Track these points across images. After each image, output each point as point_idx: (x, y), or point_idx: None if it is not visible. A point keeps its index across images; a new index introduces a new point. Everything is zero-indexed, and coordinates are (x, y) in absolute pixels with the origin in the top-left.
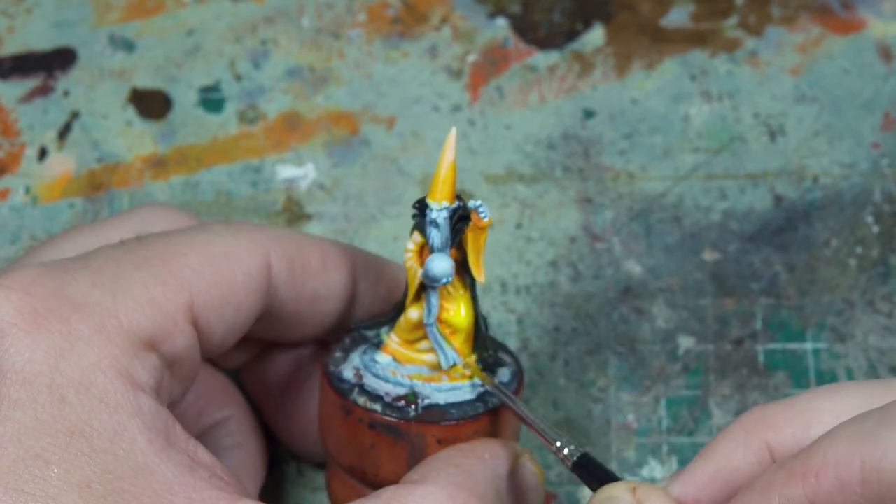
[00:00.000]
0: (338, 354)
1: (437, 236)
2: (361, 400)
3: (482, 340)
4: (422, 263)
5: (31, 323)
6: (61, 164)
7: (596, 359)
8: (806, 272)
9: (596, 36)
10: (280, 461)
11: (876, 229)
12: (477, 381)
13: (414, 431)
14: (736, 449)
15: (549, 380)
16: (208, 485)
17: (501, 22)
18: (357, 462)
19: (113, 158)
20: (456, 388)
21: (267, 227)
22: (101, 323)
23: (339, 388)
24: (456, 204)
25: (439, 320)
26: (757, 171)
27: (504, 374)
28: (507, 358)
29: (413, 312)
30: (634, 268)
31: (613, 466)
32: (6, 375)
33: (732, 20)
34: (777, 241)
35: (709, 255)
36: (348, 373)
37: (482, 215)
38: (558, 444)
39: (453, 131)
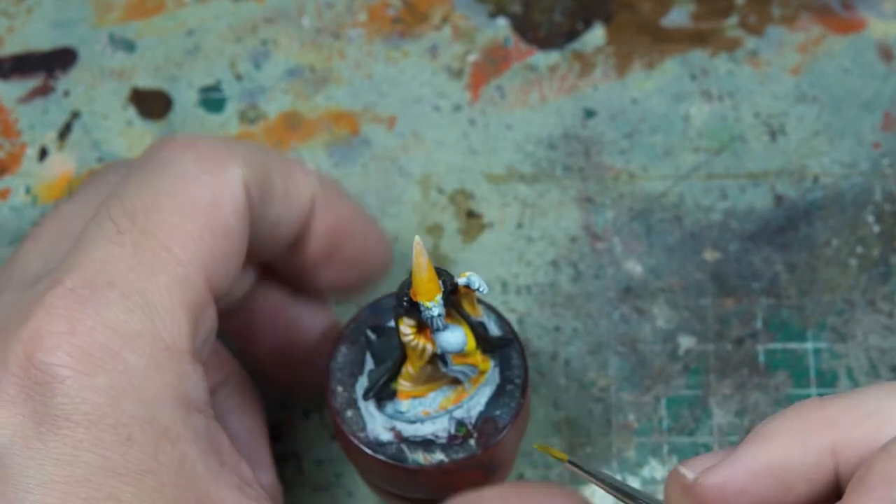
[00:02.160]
0: (349, 414)
1: (439, 321)
2: (420, 457)
3: (483, 341)
4: (428, 339)
5: (86, 364)
6: (62, 164)
7: (596, 358)
8: (806, 272)
9: (596, 35)
10: (280, 461)
11: (877, 229)
12: (493, 360)
13: (486, 457)
14: (794, 445)
15: (550, 379)
16: (256, 503)
17: (502, 22)
18: (434, 495)
19: (113, 158)
20: (484, 385)
21: (234, 148)
22: (150, 352)
23: (389, 455)
24: (443, 289)
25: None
26: (757, 170)
27: (508, 353)
28: (501, 331)
29: (426, 368)
30: (635, 267)
31: (614, 466)
32: (70, 418)
33: (733, 20)
34: (778, 240)
35: (709, 255)
36: (385, 434)
37: (480, 290)
38: None
39: (417, 240)
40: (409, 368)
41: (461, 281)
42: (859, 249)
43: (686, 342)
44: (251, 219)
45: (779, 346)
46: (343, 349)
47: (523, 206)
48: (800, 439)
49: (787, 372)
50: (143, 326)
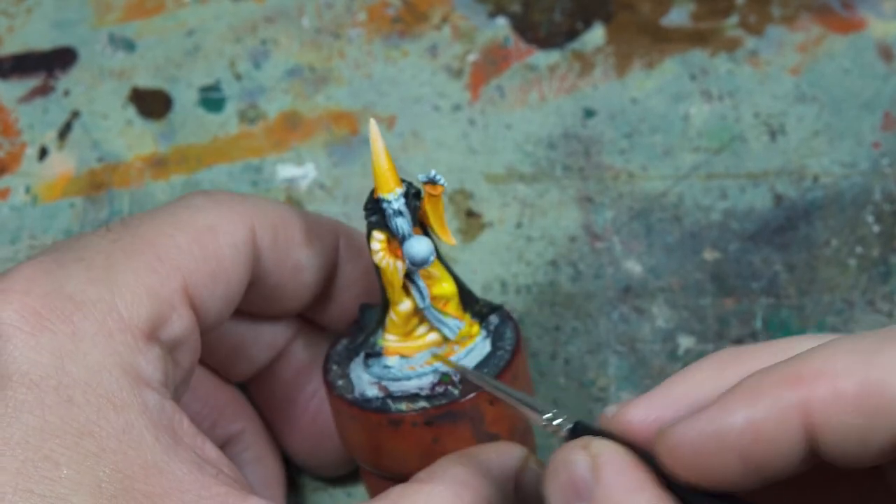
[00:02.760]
0: (340, 383)
1: (403, 223)
2: (404, 406)
3: (467, 296)
4: (398, 256)
5: (33, 324)
6: (62, 163)
7: (596, 358)
8: (806, 272)
9: (596, 35)
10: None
11: (876, 229)
12: (484, 332)
13: (469, 406)
14: (708, 378)
15: (550, 379)
16: (216, 481)
17: (502, 21)
18: (423, 465)
19: (113, 158)
20: (472, 349)
21: (248, 197)
22: (102, 320)
23: (375, 408)
24: (405, 186)
25: (431, 298)
26: (757, 170)
27: (494, 320)
28: (489, 302)
29: (403, 305)
30: (635, 267)
31: None
32: (12, 378)
33: (733, 19)
34: (777, 240)
35: (709, 255)
36: (370, 390)
37: (439, 181)
38: (547, 415)
39: (372, 122)
40: (391, 315)
41: (422, 177)
42: (859, 249)
43: (685, 342)
44: (268, 263)
45: None
46: (344, 341)
47: (523, 205)
48: (714, 372)
49: None
50: (101, 296)
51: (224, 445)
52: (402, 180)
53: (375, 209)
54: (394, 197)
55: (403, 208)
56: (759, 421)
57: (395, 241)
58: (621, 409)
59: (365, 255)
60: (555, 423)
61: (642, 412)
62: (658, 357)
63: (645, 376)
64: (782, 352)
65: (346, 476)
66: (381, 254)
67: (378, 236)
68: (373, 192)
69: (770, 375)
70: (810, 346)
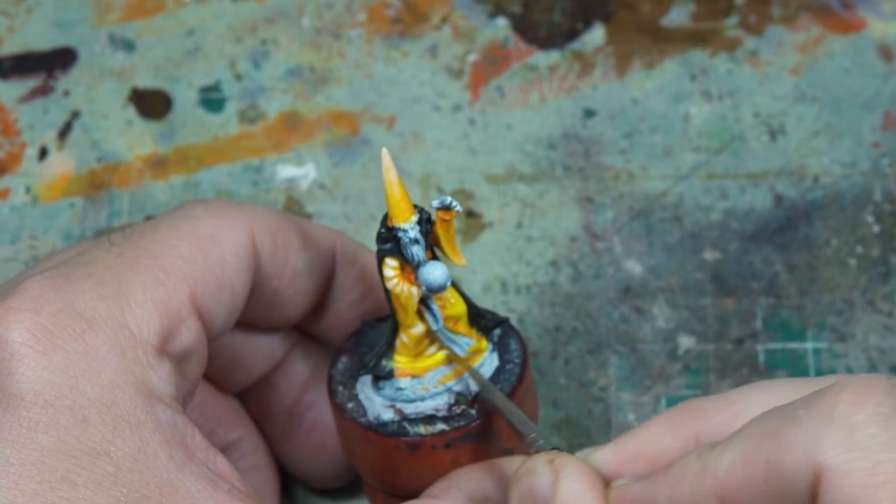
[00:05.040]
0: (350, 406)
1: (419, 251)
2: (422, 429)
3: (475, 311)
4: (413, 281)
5: (45, 343)
6: (62, 163)
7: (596, 358)
8: (806, 272)
9: (596, 35)
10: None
11: (876, 229)
12: (490, 345)
13: (487, 425)
14: (665, 432)
15: (550, 379)
16: (229, 497)
17: (502, 22)
18: None
19: (113, 158)
20: (481, 364)
21: (245, 205)
22: (114, 337)
23: (392, 432)
24: (418, 214)
25: (444, 319)
26: (757, 170)
27: (496, 330)
28: (494, 315)
29: (416, 328)
30: (635, 267)
31: None
32: (25, 398)
33: (733, 20)
34: (777, 240)
35: (709, 255)
36: (385, 413)
37: (454, 207)
38: (531, 436)
39: (385, 151)
40: (402, 337)
41: (435, 203)
42: (859, 249)
43: (686, 342)
44: (268, 269)
45: (779, 345)
46: (343, 358)
47: (523, 205)
48: (670, 427)
49: (787, 372)
50: (111, 313)
51: (224, 451)
52: (415, 206)
53: (389, 237)
54: (409, 226)
55: (419, 236)
56: (681, 500)
57: (409, 267)
58: (588, 455)
59: (359, 262)
60: (539, 443)
61: (606, 459)
62: (658, 357)
63: (645, 376)
64: (731, 405)
65: (342, 487)
66: (395, 280)
67: (391, 263)
68: (385, 219)
69: (697, 462)
70: (756, 400)
